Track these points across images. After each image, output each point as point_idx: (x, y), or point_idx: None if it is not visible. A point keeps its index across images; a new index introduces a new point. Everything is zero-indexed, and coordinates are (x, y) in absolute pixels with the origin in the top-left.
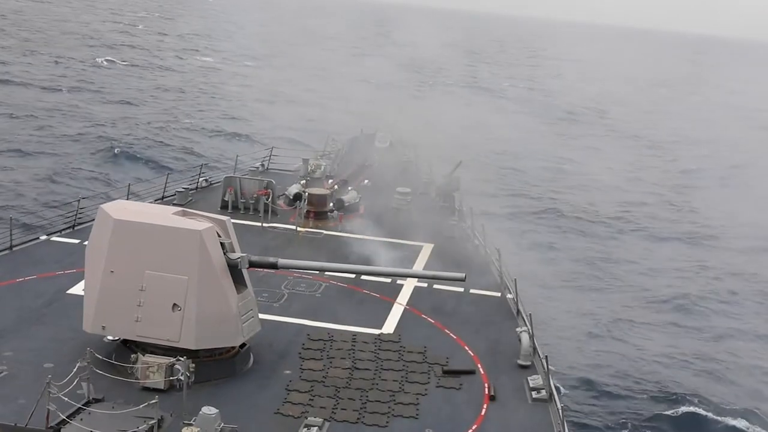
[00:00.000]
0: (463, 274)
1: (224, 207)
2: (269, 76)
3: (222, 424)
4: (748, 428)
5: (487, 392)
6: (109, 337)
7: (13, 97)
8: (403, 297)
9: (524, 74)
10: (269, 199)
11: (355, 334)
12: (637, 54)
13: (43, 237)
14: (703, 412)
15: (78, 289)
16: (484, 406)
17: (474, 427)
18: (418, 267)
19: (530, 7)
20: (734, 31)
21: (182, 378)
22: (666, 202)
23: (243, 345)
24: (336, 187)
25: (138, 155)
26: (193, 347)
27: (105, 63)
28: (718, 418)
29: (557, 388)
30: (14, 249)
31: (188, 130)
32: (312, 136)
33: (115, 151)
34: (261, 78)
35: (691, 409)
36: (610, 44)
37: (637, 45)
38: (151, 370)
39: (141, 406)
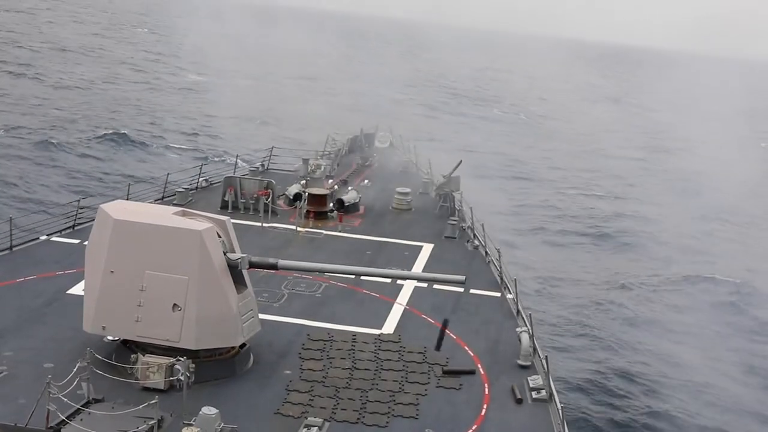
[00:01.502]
0: (463, 277)
1: (224, 207)
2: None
3: (222, 424)
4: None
5: (485, 393)
6: (109, 337)
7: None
8: (403, 297)
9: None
10: (269, 199)
11: (355, 334)
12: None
13: (43, 237)
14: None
15: (78, 289)
16: (485, 406)
17: (474, 427)
18: (418, 267)
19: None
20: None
21: (182, 378)
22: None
23: (243, 345)
24: (336, 187)
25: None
26: (193, 347)
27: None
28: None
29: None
30: (14, 249)
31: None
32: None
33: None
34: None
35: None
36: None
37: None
38: (151, 370)
39: (141, 406)
